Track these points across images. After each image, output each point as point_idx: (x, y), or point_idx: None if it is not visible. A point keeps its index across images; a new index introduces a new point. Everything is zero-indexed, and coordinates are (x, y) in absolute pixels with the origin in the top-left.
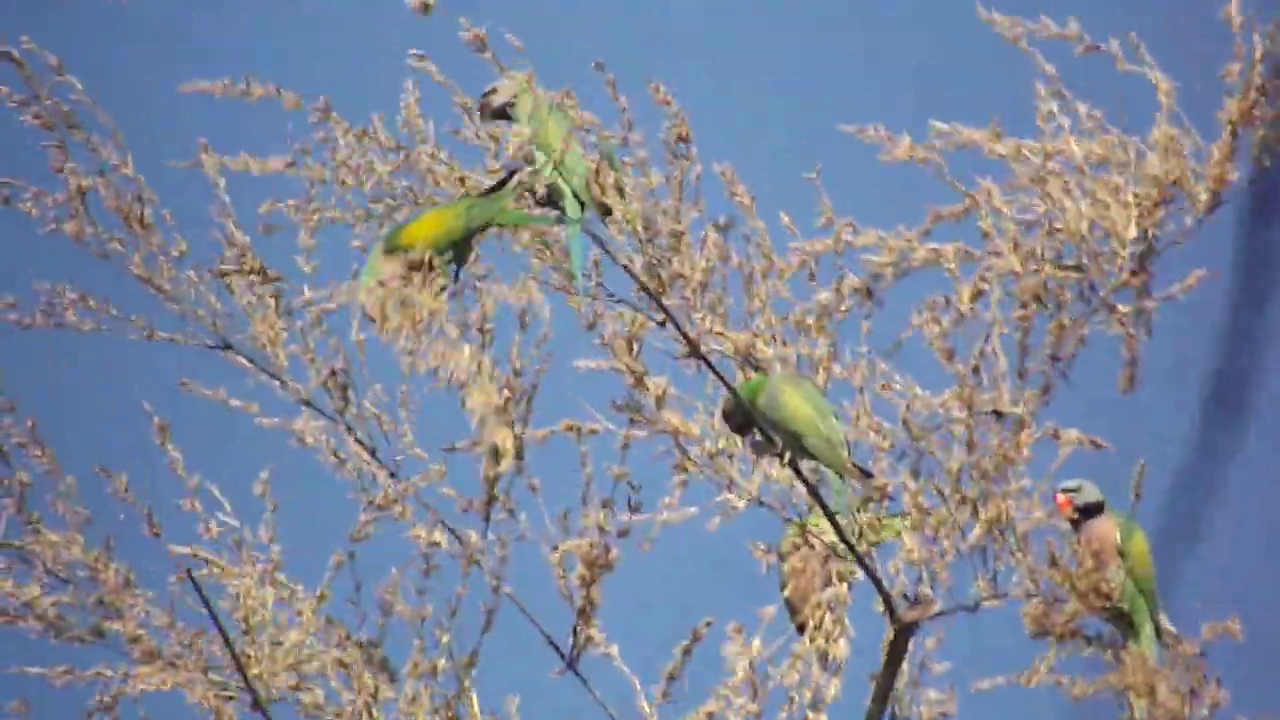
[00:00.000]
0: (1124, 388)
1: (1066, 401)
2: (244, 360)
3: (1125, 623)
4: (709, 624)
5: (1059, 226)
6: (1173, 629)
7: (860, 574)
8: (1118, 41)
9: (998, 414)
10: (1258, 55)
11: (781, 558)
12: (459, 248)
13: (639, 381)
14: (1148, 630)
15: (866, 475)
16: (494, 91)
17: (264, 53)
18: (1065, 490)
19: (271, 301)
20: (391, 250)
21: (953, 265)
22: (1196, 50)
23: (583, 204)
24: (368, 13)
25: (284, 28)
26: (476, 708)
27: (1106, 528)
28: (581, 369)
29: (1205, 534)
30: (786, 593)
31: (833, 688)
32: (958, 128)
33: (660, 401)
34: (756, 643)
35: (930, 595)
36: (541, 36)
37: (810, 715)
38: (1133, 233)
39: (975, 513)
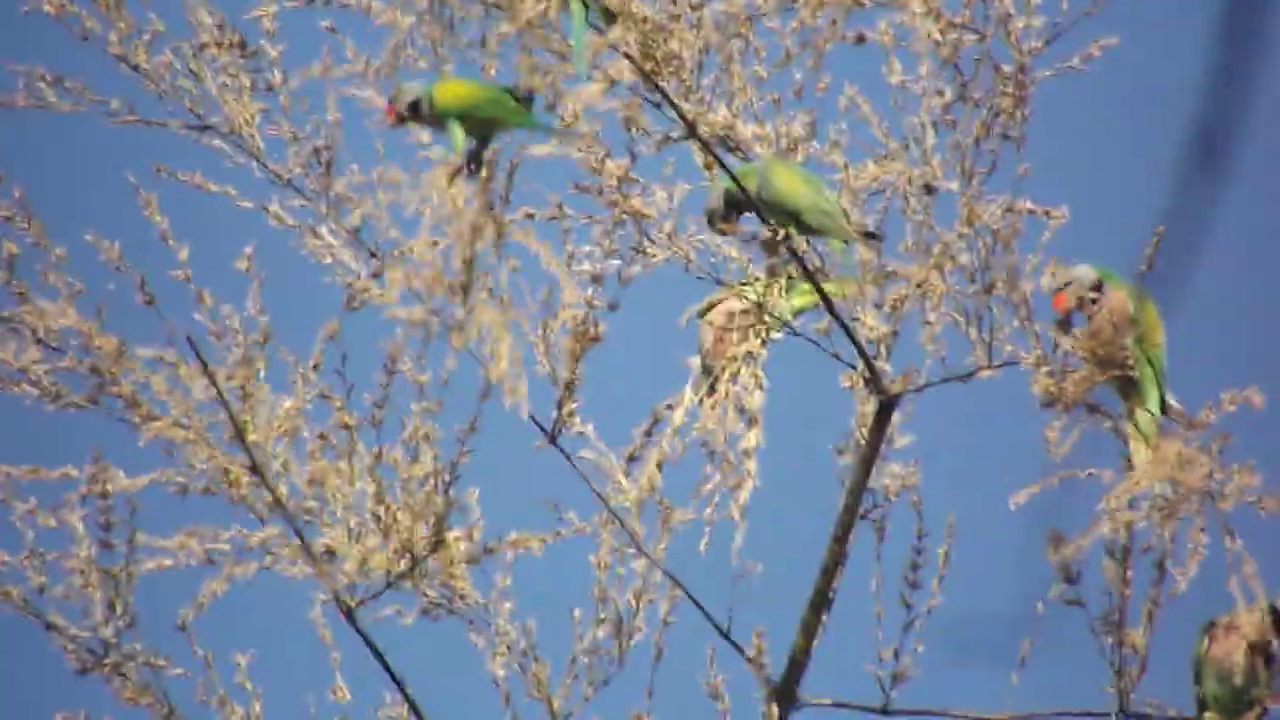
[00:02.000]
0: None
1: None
2: (221, 143)
3: (1132, 393)
4: (669, 406)
5: None
6: (1179, 405)
7: (781, 335)
8: None
9: (927, 188)
10: None
11: (703, 316)
12: (482, 130)
13: (599, 165)
14: (1154, 397)
15: (873, 236)
16: None
17: None
18: (1056, 288)
19: (247, 82)
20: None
21: (886, 41)
22: None
23: (587, 6)
24: None
25: None
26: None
27: (1119, 298)
28: (540, 155)
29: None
30: (704, 348)
31: (751, 438)
32: None
33: (620, 184)
34: (687, 391)
35: (913, 367)
36: None
37: (738, 461)
38: None
39: (972, 280)
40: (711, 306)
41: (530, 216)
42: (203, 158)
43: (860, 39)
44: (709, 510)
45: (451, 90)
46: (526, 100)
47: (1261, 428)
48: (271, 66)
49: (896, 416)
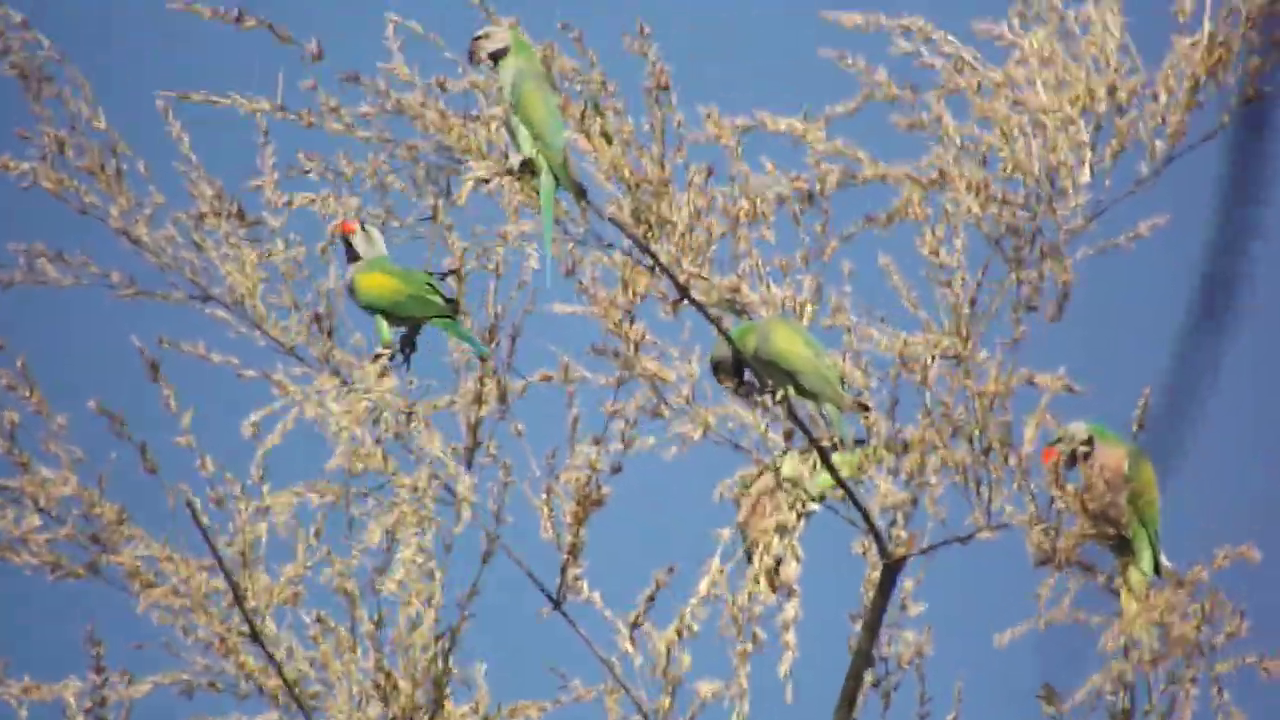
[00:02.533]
0: (1051, 316)
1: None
2: (223, 313)
3: (1126, 552)
4: (671, 570)
5: (1010, 163)
6: (1171, 566)
7: (816, 506)
8: None
9: (957, 359)
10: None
11: (742, 495)
12: (412, 318)
13: (617, 327)
14: (1147, 557)
15: (864, 408)
16: (485, 37)
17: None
18: (1050, 444)
19: (249, 253)
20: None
21: (917, 209)
22: None
23: (558, 180)
24: None
25: None
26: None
27: (1115, 455)
28: (561, 313)
29: (1188, 450)
30: (738, 519)
31: (790, 610)
32: (921, 47)
33: (637, 346)
34: (715, 562)
35: (916, 531)
36: None
37: (781, 636)
38: (1086, 177)
39: (970, 441)
40: (748, 483)
41: (547, 379)
42: (205, 327)
43: (889, 220)
44: (740, 680)
45: (373, 283)
46: (451, 302)
47: (1259, 582)
48: (273, 235)
49: (907, 582)
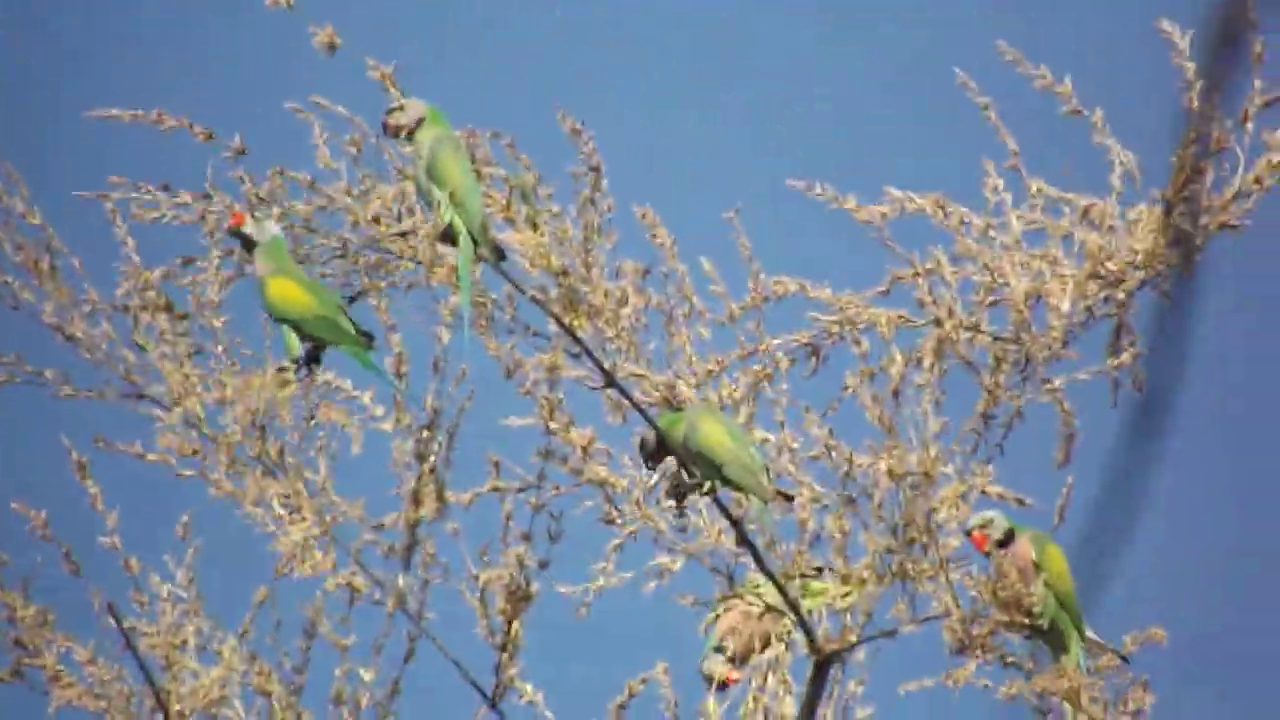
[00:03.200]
0: (1060, 461)
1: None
2: (159, 412)
3: (1052, 638)
4: (644, 681)
5: (999, 298)
6: (1098, 638)
7: (797, 632)
8: (1101, 111)
9: (925, 475)
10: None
11: (716, 616)
12: (317, 339)
13: (564, 432)
14: (1074, 641)
15: (788, 499)
16: (399, 109)
17: (171, 96)
18: (977, 527)
19: (184, 349)
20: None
21: (886, 330)
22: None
23: (477, 244)
24: (273, 52)
25: (189, 69)
26: None
27: (1023, 547)
28: (513, 426)
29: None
30: (730, 649)
31: None
32: (909, 195)
33: (585, 453)
34: (712, 704)
35: (848, 627)
36: (458, 69)
37: None
38: (1067, 306)
39: (895, 535)
40: (726, 606)
41: (497, 490)
42: (140, 425)
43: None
44: None
45: (284, 293)
46: (365, 334)
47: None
48: (214, 335)
49: (853, 685)
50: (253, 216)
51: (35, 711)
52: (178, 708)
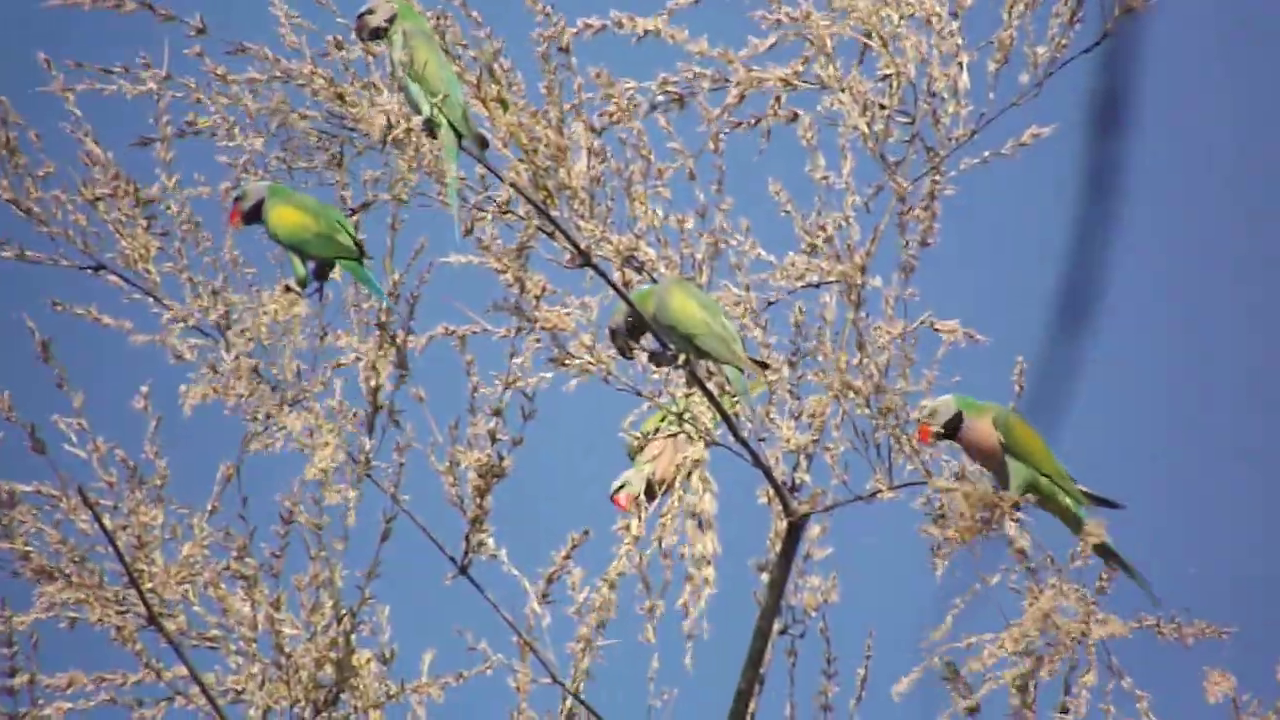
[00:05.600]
0: (923, 222)
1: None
2: (117, 279)
3: (1054, 508)
4: (586, 533)
5: (891, 72)
6: (1092, 492)
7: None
8: None
9: (849, 285)
10: None
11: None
12: (319, 256)
13: (517, 280)
14: (1070, 504)
15: (763, 366)
16: (370, 11)
17: None
18: (920, 420)
19: (142, 220)
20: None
21: (809, 137)
22: None
23: (460, 135)
24: None
25: None
26: (386, 616)
27: (982, 429)
28: (456, 264)
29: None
30: (645, 458)
31: (709, 542)
32: None
33: (538, 299)
34: (642, 503)
35: (819, 488)
36: None
37: (696, 572)
38: (965, 83)
39: (867, 404)
40: (651, 426)
41: (450, 333)
42: (97, 295)
43: (794, 116)
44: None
45: (284, 217)
46: (359, 244)
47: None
48: (167, 199)
49: (814, 528)
50: (239, 205)
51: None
52: (149, 587)
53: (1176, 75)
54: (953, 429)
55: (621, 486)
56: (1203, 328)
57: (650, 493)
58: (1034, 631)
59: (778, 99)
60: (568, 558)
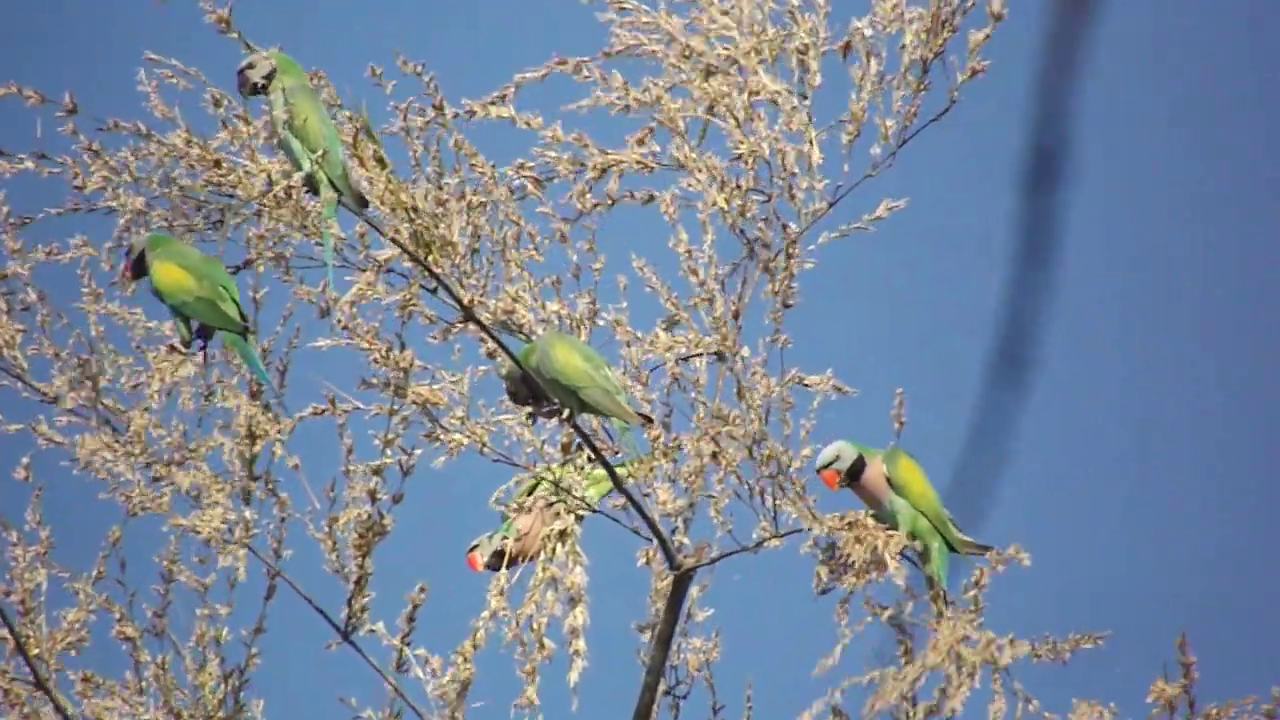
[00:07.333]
0: (782, 295)
1: (846, 347)
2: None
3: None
4: (423, 590)
5: (744, 152)
6: (970, 539)
7: (588, 514)
8: None
9: (719, 355)
10: None
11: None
12: (206, 316)
13: (385, 358)
14: (936, 548)
15: (647, 420)
16: (250, 66)
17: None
18: (825, 466)
19: (3, 303)
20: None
21: (671, 211)
22: None
23: (340, 193)
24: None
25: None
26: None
27: (874, 472)
28: (324, 348)
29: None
30: (518, 528)
31: (579, 616)
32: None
33: (407, 373)
34: (503, 573)
35: (704, 541)
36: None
37: (569, 644)
38: (818, 157)
39: (750, 454)
40: (523, 494)
41: (319, 413)
42: None
43: (650, 198)
44: (529, 694)
45: (166, 274)
46: (244, 318)
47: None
48: (25, 286)
49: (694, 589)
50: (130, 259)
51: None
52: (36, 652)
53: (1112, 129)
54: (856, 473)
55: (475, 546)
56: (1147, 368)
57: (511, 560)
58: (945, 662)
59: (620, 186)
60: (411, 620)
